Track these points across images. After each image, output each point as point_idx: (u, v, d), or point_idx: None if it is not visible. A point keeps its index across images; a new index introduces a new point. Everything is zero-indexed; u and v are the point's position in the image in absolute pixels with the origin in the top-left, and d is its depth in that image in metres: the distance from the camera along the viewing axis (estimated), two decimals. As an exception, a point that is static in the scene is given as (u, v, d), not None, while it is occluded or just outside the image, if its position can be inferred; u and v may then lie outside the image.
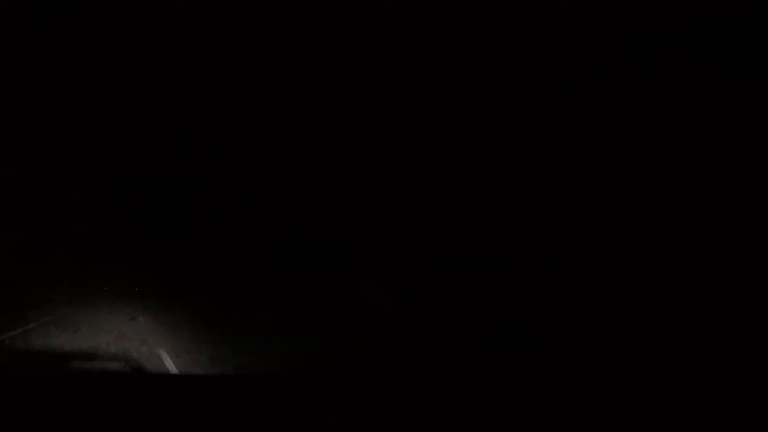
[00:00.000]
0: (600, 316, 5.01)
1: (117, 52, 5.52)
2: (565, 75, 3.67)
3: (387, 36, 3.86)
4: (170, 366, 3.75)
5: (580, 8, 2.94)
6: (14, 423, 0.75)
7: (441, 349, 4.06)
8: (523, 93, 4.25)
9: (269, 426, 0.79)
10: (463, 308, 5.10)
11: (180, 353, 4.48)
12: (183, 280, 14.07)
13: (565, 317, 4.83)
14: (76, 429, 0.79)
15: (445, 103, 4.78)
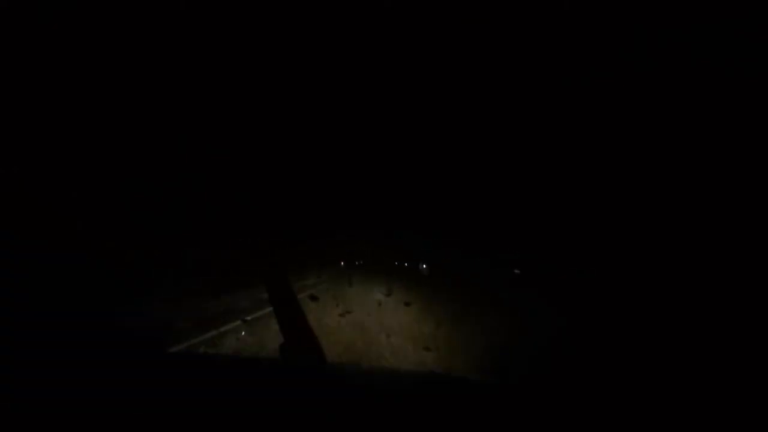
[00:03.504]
0: (598, 315, 5.00)
1: (116, 52, 5.52)
2: (565, 75, 3.67)
3: (387, 36, 3.86)
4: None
5: (580, 8, 2.95)
6: None
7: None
8: (523, 93, 4.25)
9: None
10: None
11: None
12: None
13: (564, 317, 4.82)
14: None
15: (445, 102, 4.78)
